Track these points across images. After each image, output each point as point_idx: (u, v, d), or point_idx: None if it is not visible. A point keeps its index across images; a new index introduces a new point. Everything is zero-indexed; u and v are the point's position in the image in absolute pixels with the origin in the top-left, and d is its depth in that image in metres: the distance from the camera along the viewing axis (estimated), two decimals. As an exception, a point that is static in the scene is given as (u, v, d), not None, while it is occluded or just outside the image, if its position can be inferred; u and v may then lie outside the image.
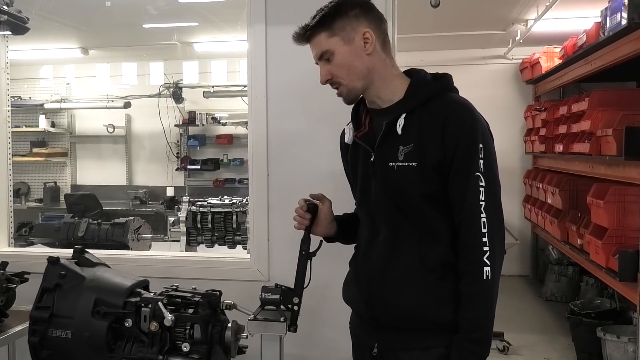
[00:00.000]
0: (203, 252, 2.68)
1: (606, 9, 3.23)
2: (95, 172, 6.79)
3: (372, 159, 1.49)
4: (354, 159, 1.58)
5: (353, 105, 1.59)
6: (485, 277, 1.35)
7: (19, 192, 6.68)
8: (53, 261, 1.67)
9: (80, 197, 5.71)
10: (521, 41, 4.85)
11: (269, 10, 2.13)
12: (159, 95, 6.19)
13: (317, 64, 1.51)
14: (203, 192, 5.82)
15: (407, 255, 1.45)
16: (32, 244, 2.80)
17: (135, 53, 6.01)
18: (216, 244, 2.69)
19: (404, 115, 1.43)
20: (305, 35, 1.48)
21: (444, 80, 1.50)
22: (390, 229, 1.48)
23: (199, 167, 6.26)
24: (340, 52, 1.44)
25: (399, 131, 1.43)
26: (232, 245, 2.66)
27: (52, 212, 5.99)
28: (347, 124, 1.60)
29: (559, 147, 4.27)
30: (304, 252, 1.57)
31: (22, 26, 3.08)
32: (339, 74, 1.46)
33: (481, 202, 1.36)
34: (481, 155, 1.38)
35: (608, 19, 3.20)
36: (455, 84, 1.51)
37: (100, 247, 2.53)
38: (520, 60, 5.65)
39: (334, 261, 2.07)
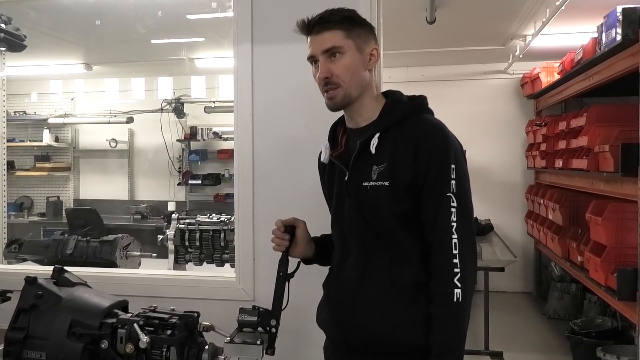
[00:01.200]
0: (189, 271, 2.66)
1: (602, 24, 3.21)
2: (98, 186, 6.82)
3: (346, 178, 1.49)
4: (330, 179, 1.58)
5: (331, 125, 1.60)
6: (455, 299, 1.33)
7: (22, 206, 6.73)
8: (30, 281, 1.65)
9: (81, 212, 5.74)
10: (520, 56, 4.84)
11: (255, 29, 2.13)
12: (161, 110, 6.22)
13: (310, 59, 1.50)
14: (204, 207, 5.84)
15: (378, 276, 1.44)
16: (24, 260, 2.80)
17: (138, 69, 6.08)
18: (204, 262, 2.68)
19: (377, 135, 1.44)
20: (317, 25, 1.46)
21: (418, 101, 1.52)
22: (362, 250, 1.47)
23: (200, 181, 6.27)
24: (352, 56, 1.45)
25: (373, 150, 1.43)
26: (220, 263, 2.65)
27: (54, 226, 6.01)
28: (324, 144, 1.60)
29: (559, 163, 4.23)
30: (281, 274, 1.56)
31: (19, 44, 3.12)
32: (341, 76, 1.44)
33: (452, 223, 1.36)
34: (453, 176, 1.37)
35: (604, 34, 3.19)
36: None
37: (88, 264, 2.52)
38: (521, 75, 5.63)
39: (316, 281, 2.05)
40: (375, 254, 1.45)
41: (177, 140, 6.41)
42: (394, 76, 5.59)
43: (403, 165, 1.40)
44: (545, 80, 4.95)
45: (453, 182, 1.37)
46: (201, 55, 5.41)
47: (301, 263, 1.62)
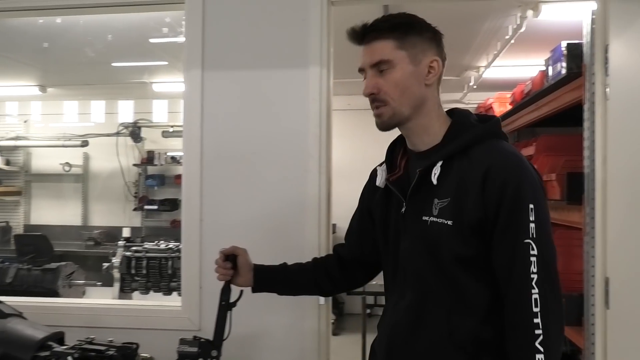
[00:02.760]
0: (135, 300, 2.59)
1: (549, 58, 3.32)
2: (50, 211, 6.61)
3: (403, 210, 1.30)
4: (384, 206, 1.38)
5: (389, 144, 1.42)
6: None
7: (-32, 232, 6.46)
8: (-42, 313, 1.57)
9: (30, 238, 5.50)
10: (475, 87, 4.97)
11: (206, 55, 2.12)
12: (117, 134, 6.12)
13: (361, 71, 1.33)
14: (160, 233, 5.70)
15: (433, 326, 1.24)
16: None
17: (98, 92, 5.99)
18: (151, 291, 2.61)
19: (440, 163, 1.24)
20: (367, 34, 1.30)
21: (491, 124, 1.30)
22: (417, 293, 1.27)
23: (156, 207, 6.16)
24: (404, 70, 1.27)
25: (434, 181, 1.24)
26: (168, 292, 2.58)
27: (2, 253, 5.77)
28: (380, 165, 1.42)
29: (512, 191, 4.31)
30: (223, 303, 1.52)
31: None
32: (390, 92, 1.27)
33: (532, 275, 1.14)
34: (532, 218, 1.16)
35: (550, 68, 3.29)
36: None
37: (29, 294, 2.42)
38: (476, 105, 5.77)
39: (261, 310, 2.03)
40: (433, 301, 1.25)
41: (134, 165, 6.29)
42: (353, 103, 5.66)
43: (469, 202, 1.19)
44: (499, 110, 5.07)
45: (532, 225, 1.15)
46: (164, 79, 5.37)
47: (243, 292, 1.58)
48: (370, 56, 1.30)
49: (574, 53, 2.80)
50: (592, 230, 2.04)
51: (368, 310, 5.42)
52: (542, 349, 1.12)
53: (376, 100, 1.30)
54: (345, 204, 5.72)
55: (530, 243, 1.15)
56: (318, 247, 2.04)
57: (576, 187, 2.91)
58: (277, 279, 1.59)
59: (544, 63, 3.50)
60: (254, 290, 1.60)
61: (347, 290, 1.71)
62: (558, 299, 1.18)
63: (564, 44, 2.85)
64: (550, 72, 3.33)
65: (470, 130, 1.28)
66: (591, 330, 2.04)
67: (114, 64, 4.91)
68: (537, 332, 1.13)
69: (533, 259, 1.15)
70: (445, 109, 1.38)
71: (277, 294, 1.63)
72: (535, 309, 1.13)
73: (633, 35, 1.80)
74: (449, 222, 1.21)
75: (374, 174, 1.45)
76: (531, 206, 1.16)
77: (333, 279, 1.59)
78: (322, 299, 2.04)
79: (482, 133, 1.27)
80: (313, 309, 2.04)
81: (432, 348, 1.24)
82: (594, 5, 2.03)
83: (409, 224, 1.29)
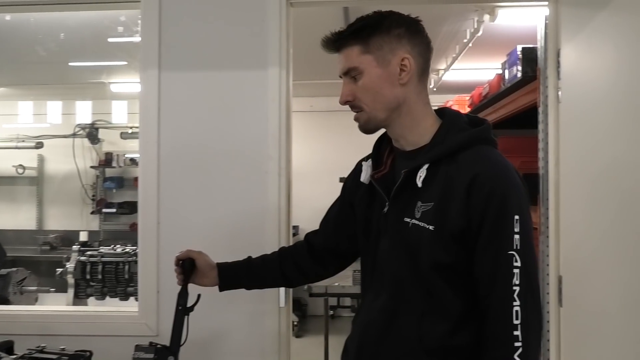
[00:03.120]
0: (90, 306, 2.52)
1: (505, 62, 3.40)
2: (3, 215, 6.37)
3: (386, 209, 1.28)
4: (367, 204, 1.36)
5: (376, 140, 1.39)
6: None
7: None
8: None
9: (-19, 243, 5.33)
10: (435, 89, 5.04)
11: (163, 55, 2.09)
12: (73, 135, 5.96)
13: (340, 77, 1.31)
14: (119, 237, 5.57)
15: (405, 330, 1.23)
16: None
17: (50, 92, 5.83)
18: (107, 296, 2.54)
19: (426, 166, 1.21)
20: (335, 42, 1.27)
21: (482, 129, 1.26)
22: (392, 296, 1.26)
23: (115, 210, 6.02)
24: (370, 74, 1.24)
25: (419, 184, 1.21)
26: (124, 297, 2.52)
27: (-49, 259, 5.54)
28: (366, 160, 1.39)
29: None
30: (180, 307, 1.50)
31: None
32: (362, 98, 1.25)
33: (515, 287, 1.12)
34: (517, 229, 1.13)
35: (506, 71, 3.37)
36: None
37: (-23, 301, 2.34)
38: (437, 107, 5.85)
39: (220, 314, 2.00)
40: (406, 304, 1.24)
41: (91, 167, 6.14)
42: (315, 105, 5.67)
43: (453, 209, 1.16)
44: (458, 112, 5.17)
45: (517, 236, 1.13)
46: (122, 79, 5.26)
47: (200, 296, 1.56)
48: (341, 64, 1.28)
49: (529, 57, 2.87)
50: (547, 230, 2.09)
51: (331, 312, 5.44)
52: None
53: (353, 106, 1.29)
54: (308, 205, 5.74)
55: (514, 254, 1.13)
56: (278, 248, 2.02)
57: (532, 188, 2.99)
58: (242, 275, 1.56)
59: (500, 66, 3.58)
60: (221, 289, 1.57)
61: (317, 281, 1.69)
62: (538, 310, 1.18)
63: (519, 48, 2.91)
64: (506, 76, 3.40)
65: (460, 134, 1.24)
66: (546, 328, 2.09)
67: (71, 64, 4.78)
68: (517, 344, 1.12)
69: (516, 270, 1.13)
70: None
71: (245, 290, 1.61)
72: (516, 321, 1.12)
73: (583, 40, 1.85)
74: (431, 227, 1.19)
75: (358, 168, 1.42)
76: (516, 217, 1.14)
77: (302, 269, 1.57)
78: (282, 301, 2.03)
79: (472, 138, 1.24)
80: (273, 310, 2.03)
81: (401, 351, 1.23)
82: (547, 11, 2.09)
83: (390, 225, 1.27)
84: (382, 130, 1.37)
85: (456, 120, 1.28)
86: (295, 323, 5.52)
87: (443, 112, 1.32)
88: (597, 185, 1.75)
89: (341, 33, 1.27)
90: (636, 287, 1.52)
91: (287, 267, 1.56)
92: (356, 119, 1.30)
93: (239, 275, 1.57)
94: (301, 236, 6.87)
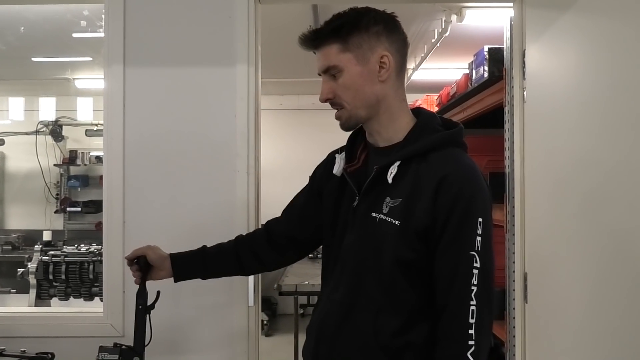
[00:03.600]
0: (53, 307, 2.46)
1: (472, 62, 3.44)
2: (-38, 215, 6.19)
3: (355, 204, 1.30)
4: (337, 196, 1.37)
5: (350, 133, 1.39)
6: None
7: None
8: None
9: (-62, 244, 5.16)
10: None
11: (128, 51, 2.04)
12: (36, 132, 5.80)
13: (319, 75, 1.31)
14: (84, 236, 5.48)
15: (361, 324, 1.25)
16: None
17: (11, 87, 5.68)
18: (71, 297, 2.48)
19: (397, 163, 1.24)
20: (314, 40, 1.27)
21: (454, 132, 1.29)
22: (351, 290, 1.28)
23: (80, 209, 5.90)
24: (350, 72, 1.25)
25: (390, 180, 1.23)
26: (89, 297, 2.47)
27: None
28: (340, 152, 1.39)
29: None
30: (140, 307, 1.48)
31: None
32: (343, 96, 1.27)
33: (473, 287, 1.15)
34: (479, 231, 1.16)
35: (474, 71, 3.41)
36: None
37: None
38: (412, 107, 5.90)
39: (187, 311, 1.98)
40: (364, 299, 1.26)
41: (55, 165, 6.00)
42: (285, 103, 5.65)
43: (419, 206, 1.19)
44: (427, 111, 5.22)
45: (479, 238, 1.16)
46: (87, 75, 5.14)
47: (160, 293, 1.54)
48: (320, 62, 1.29)
49: (496, 57, 2.91)
50: (513, 228, 2.12)
51: (301, 311, 5.43)
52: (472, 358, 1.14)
53: (333, 104, 1.30)
54: (278, 204, 5.71)
55: (475, 255, 1.16)
56: (247, 248, 2.00)
57: (498, 186, 3.04)
58: (196, 263, 1.54)
59: (468, 66, 3.63)
60: (176, 280, 1.55)
61: (275, 269, 1.67)
62: (491, 314, 1.20)
63: (486, 48, 2.95)
64: (473, 76, 3.45)
65: (433, 134, 1.27)
66: (512, 324, 2.13)
67: (34, 59, 4.65)
68: (471, 342, 1.14)
69: (475, 271, 1.16)
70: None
71: (201, 279, 1.59)
72: (471, 320, 1.14)
73: (547, 41, 1.89)
74: (397, 222, 1.21)
75: (330, 159, 1.43)
76: (480, 220, 1.17)
77: (259, 257, 1.55)
78: (251, 300, 2.01)
79: (444, 140, 1.27)
80: (242, 310, 2.01)
81: (356, 345, 1.25)
82: (512, 12, 2.12)
83: (358, 219, 1.29)
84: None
85: (431, 121, 1.30)
86: (265, 322, 5.50)
87: (419, 112, 1.35)
88: (560, 183, 1.78)
89: (319, 31, 1.27)
90: (597, 283, 1.56)
91: (244, 254, 1.55)
92: (338, 117, 1.31)
93: (192, 262, 1.54)
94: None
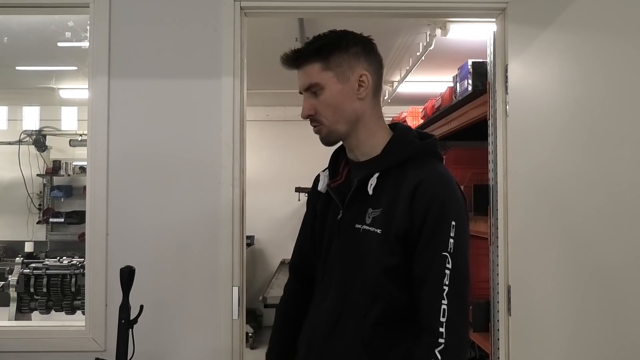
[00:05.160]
0: (34, 321, 2.42)
1: (456, 75, 3.48)
2: (-58, 225, 6.08)
3: (339, 216, 1.35)
4: (324, 211, 1.43)
5: (333, 150, 1.46)
6: None
7: None
8: None
9: None
10: (389, 100, 5.11)
11: (113, 62, 2.04)
12: (19, 142, 5.74)
13: (300, 93, 1.36)
14: (67, 247, 5.41)
15: (350, 332, 1.29)
16: None
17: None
18: (52, 310, 2.45)
19: (376, 175, 1.30)
20: (296, 60, 1.33)
21: (429, 143, 1.36)
22: (339, 298, 1.32)
23: (63, 219, 5.82)
24: (331, 90, 1.31)
25: (370, 191, 1.29)
26: (71, 311, 2.43)
27: None
28: (323, 170, 1.46)
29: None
30: (123, 321, 1.46)
31: None
32: (323, 113, 1.32)
33: (444, 287, 1.20)
34: (452, 234, 1.22)
35: (458, 84, 3.45)
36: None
37: None
38: (391, 118, 5.95)
39: (171, 324, 1.96)
40: (352, 307, 1.30)
41: (38, 175, 5.93)
42: (271, 115, 5.65)
43: (398, 213, 1.25)
44: (412, 124, 5.24)
45: (451, 240, 1.22)
46: (72, 85, 5.10)
47: (143, 307, 1.53)
48: (302, 80, 1.34)
49: (479, 71, 2.95)
50: (497, 240, 2.14)
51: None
52: (439, 357, 1.19)
53: (313, 120, 1.35)
54: (264, 215, 5.71)
55: (447, 256, 1.22)
56: (231, 260, 2.00)
57: (482, 199, 3.07)
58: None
59: (452, 79, 3.67)
60: None
61: None
62: (462, 313, 1.24)
63: (470, 62, 2.99)
64: (458, 89, 3.49)
65: (409, 146, 1.34)
66: (497, 336, 2.13)
67: (18, 68, 4.61)
68: (440, 340, 1.19)
69: (447, 272, 1.21)
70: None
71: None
72: (442, 319, 1.20)
73: (529, 56, 1.91)
74: (379, 231, 1.27)
75: (317, 179, 1.48)
76: (453, 223, 1.23)
77: (304, 306, 1.50)
78: (235, 313, 2.00)
79: (420, 150, 1.34)
80: (226, 323, 2.00)
81: (346, 352, 1.29)
82: (495, 27, 2.15)
83: (343, 230, 1.34)
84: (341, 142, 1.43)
85: (406, 133, 1.37)
86: (250, 334, 5.46)
87: (395, 126, 1.41)
88: (542, 197, 1.80)
89: (301, 51, 1.33)
90: (580, 296, 1.58)
91: (298, 317, 1.50)
92: (317, 132, 1.36)
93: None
94: (256, 246, 6.80)
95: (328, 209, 1.41)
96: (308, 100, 1.34)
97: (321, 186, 1.43)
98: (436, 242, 1.23)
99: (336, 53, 1.32)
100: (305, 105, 1.34)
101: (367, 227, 1.28)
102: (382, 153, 1.34)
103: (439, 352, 1.19)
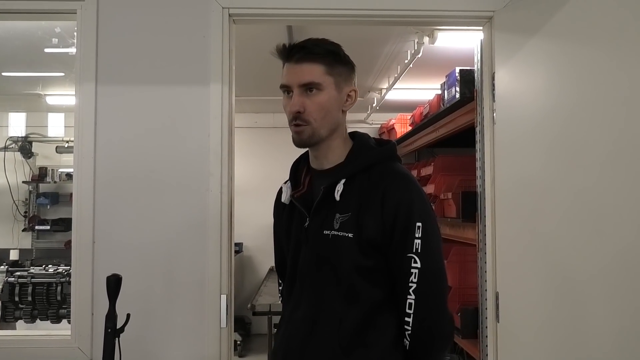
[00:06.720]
0: (17, 330, 2.39)
1: (444, 83, 3.50)
2: None
3: (307, 224, 1.37)
4: (288, 221, 1.46)
5: (293, 162, 1.50)
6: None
7: None
8: None
9: None
10: (378, 108, 5.13)
11: (100, 68, 2.03)
12: (5, 149, 5.68)
13: (283, 87, 1.37)
14: (53, 255, 5.35)
15: (326, 337, 1.31)
16: None
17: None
18: (38, 319, 2.41)
19: (343, 181, 1.34)
20: (298, 53, 1.34)
21: (387, 148, 1.43)
22: (312, 305, 1.35)
23: (49, 227, 5.76)
24: (329, 94, 1.34)
25: (337, 197, 1.33)
26: (56, 320, 2.40)
27: None
28: (285, 182, 1.49)
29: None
30: (109, 330, 1.45)
31: None
32: (313, 113, 1.34)
33: (411, 284, 1.27)
34: (417, 235, 1.28)
35: (446, 92, 3.47)
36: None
37: None
38: (379, 125, 5.97)
39: (159, 333, 1.95)
40: (326, 312, 1.33)
41: (24, 182, 5.86)
42: (260, 121, 5.64)
43: (369, 219, 1.29)
44: (400, 130, 5.28)
45: (417, 241, 1.28)
46: (59, 91, 5.06)
47: (130, 316, 1.51)
48: (300, 76, 1.34)
49: (467, 79, 2.97)
50: (485, 247, 2.14)
51: (275, 330, 5.37)
52: (408, 339, 1.29)
53: (299, 118, 1.35)
54: (252, 222, 5.68)
55: (413, 256, 1.28)
56: (220, 268, 1.99)
57: (470, 206, 3.08)
58: None
59: (439, 87, 3.69)
60: None
61: None
62: (440, 306, 1.30)
63: (457, 69, 3.00)
64: (446, 96, 3.51)
65: (370, 152, 1.40)
66: (485, 343, 2.14)
67: (4, 74, 4.57)
68: (408, 329, 1.28)
69: (415, 270, 1.27)
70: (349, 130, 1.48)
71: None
72: (408, 311, 1.28)
73: (515, 65, 1.93)
74: (350, 235, 1.30)
75: (280, 192, 1.50)
76: (418, 224, 1.29)
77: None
78: (223, 322, 1.99)
79: (381, 156, 1.40)
80: (214, 332, 1.99)
81: (322, 356, 1.31)
82: (482, 35, 2.17)
83: (311, 238, 1.36)
84: (302, 150, 1.47)
85: (366, 141, 1.44)
86: (239, 342, 5.42)
87: (354, 135, 1.46)
88: (529, 204, 1.81)
89: (310, 48, 1.35)
90: (567, 302, 1.58)
91: None
92: (298, 132, 1.36)
93: None
94: (247, 253, 6.76)
95: (292, 219, 1.44)
96: (300, 97, 1.34)
97: (284, 197, 1.46)
98: (404, 245, 1.29)
99: (339, 63, 1.37)
100: (297, 101, 1.34)
101: (335, 232, 1.32)
102: (346, 160, 1.39)
103: (407, 338, 1.29)
